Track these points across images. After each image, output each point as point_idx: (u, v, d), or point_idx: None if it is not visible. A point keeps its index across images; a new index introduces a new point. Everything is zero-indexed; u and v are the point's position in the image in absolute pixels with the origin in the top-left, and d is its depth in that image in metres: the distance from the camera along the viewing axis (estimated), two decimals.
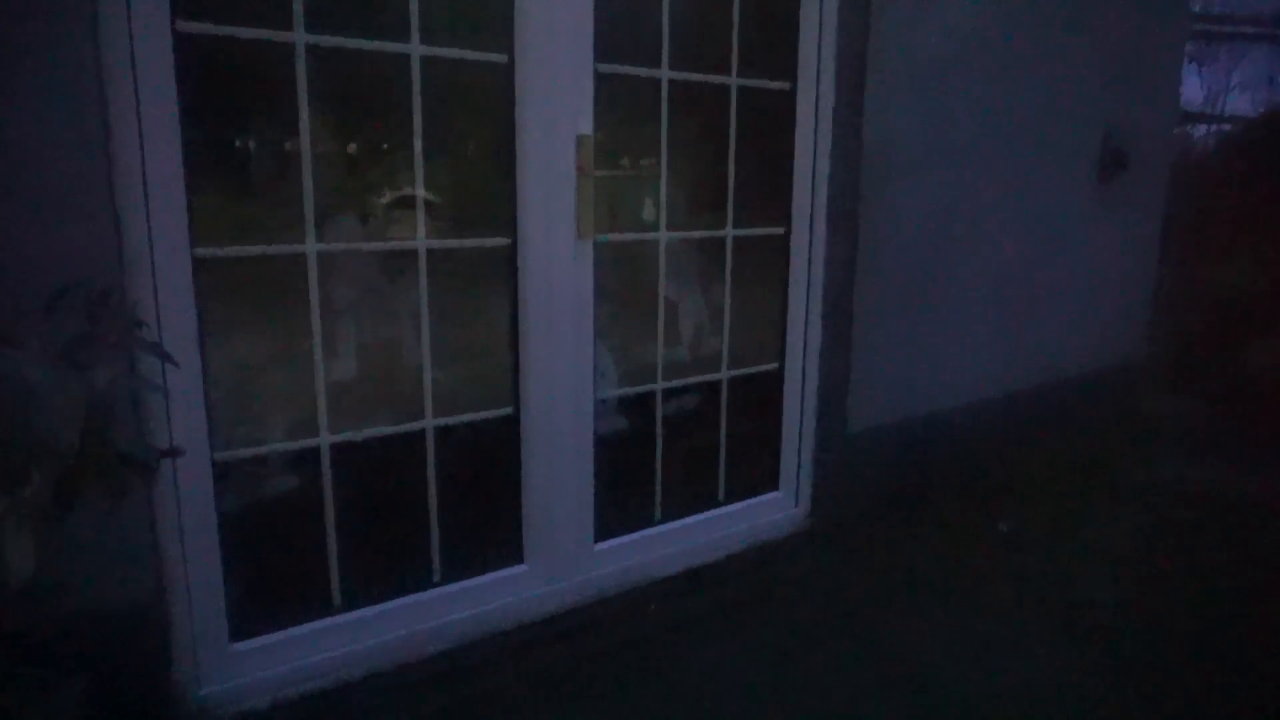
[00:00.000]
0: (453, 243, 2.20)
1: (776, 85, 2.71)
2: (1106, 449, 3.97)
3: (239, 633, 1.97)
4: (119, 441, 0.69)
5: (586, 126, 2.26)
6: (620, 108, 2.41)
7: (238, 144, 1.99)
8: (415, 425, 2.19)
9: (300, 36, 1.86)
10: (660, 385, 2.63)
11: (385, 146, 2.19)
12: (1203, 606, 2.67)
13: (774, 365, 2.90)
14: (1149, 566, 2.93)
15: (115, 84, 1.63)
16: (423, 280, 2.13)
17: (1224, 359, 5.04)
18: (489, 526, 2.39)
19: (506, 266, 2.26)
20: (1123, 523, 3.26)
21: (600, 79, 2.28)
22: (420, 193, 2.10)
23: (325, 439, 2.05)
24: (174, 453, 0.82)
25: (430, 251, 2.13)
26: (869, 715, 2.12)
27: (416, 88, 2.03)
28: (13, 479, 0.67)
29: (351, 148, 2.15)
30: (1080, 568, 2.89)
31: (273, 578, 2.09)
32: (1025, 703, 2.18)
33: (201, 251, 1.80)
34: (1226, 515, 3.35)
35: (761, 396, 2.91)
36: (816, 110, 2.76)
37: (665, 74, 2.44)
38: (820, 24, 2.71)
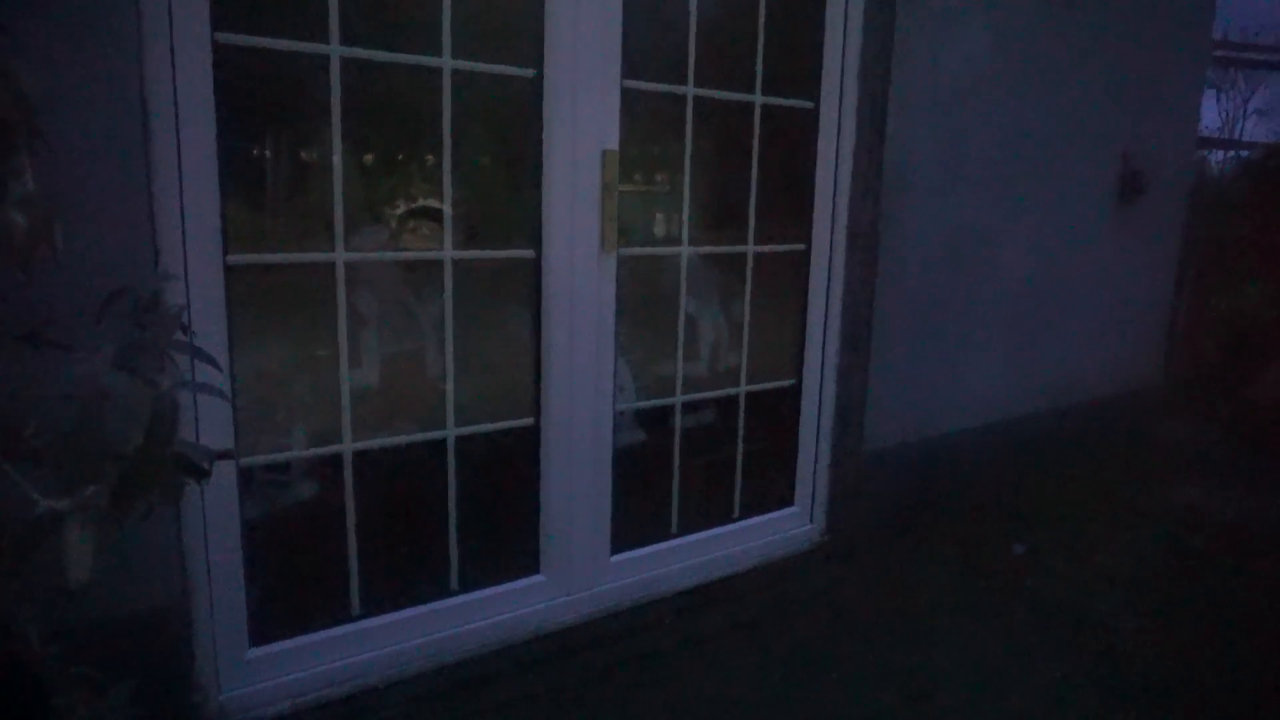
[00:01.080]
0: (479, 253, 2.23)
1: (800, 104, 2.73)
2: (1120, 473, 3.96)
3: (259, 638, 1.98)
4: (178, 444, 0.71)
5: (613, 141, 2.28)
6: (646, 124, 2.44)
7: (271, 153, 2.02)
8: (436, 434, 2.21)
9: (335, 49, 1.89)
10: (679, 399, 2.64)
11: (414, 158, 2.22)
12: (1213, 630, 2.66)
13: (792, 381, 2.90)
14: (1159, 590, 2.92)
15: (156, 93, 1.66)
16: (448, 290, 2.15)
17: (1239, 385, 5.02)
18: (507, 536, 2.40)
19: (530, 279, 2.28)
20: (1134, 547, 3.25)
21: (627, 95, 2.31)
22: (447, 204, 2.13)
23: (348, 446, 2.07)
24: (227, 455, 0.83)
25: (455, 262, 2.15)
26: None
27: (447, 101, 2.06)
28: (79, 481, 0.69)
29: (381, 159, 2.17)
30: (1091, 590, 2.88)
31: (293, 584, 2.10)
32: None
33: (233, 259, 1.83)
34: (1238, 541, 3.33)
35: (779, 412, 2.91)
36: (839, 129, 2.78)
37: (690, 90, 2.46)
38: (844, 45, 2.74)
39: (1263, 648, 2.59)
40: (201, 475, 0.78)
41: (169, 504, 0.77)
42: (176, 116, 1.69)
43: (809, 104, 2.75)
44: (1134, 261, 4.05)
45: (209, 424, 1.79)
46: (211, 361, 0.92)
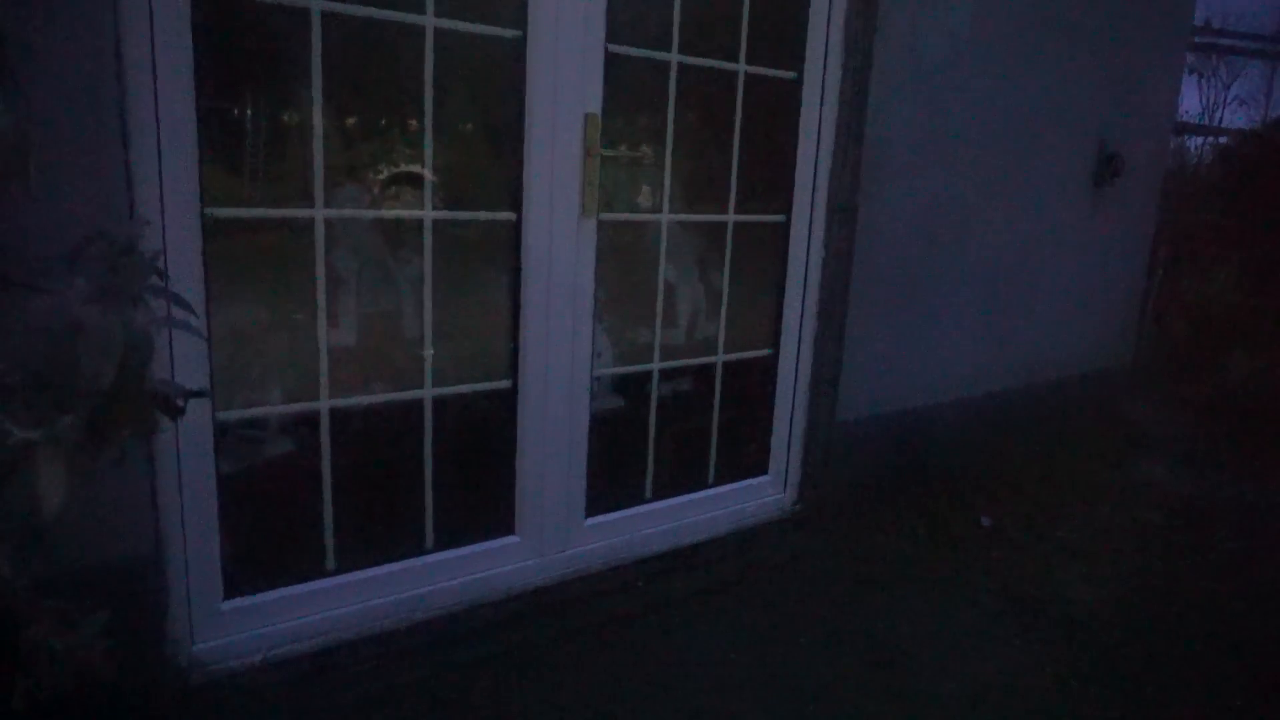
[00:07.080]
0: (458, 214, 2.22)
1: (783, 74, 2.73)
2: (1086, 451, 4.04)
3: (234, 591, 1.99)
4: (151, 380, 0.72)
5: (595, 106, 2.28)
6: (629, 90, 2.43)
7: (251, 109, 2.00)
8: (414, 394, 2.21)
9: (316, 2, 1.87)
10: (656, 366, 2.66)
11: (395, 117, 2.21)
12: (1167, 604, 2.74)
13: (768, 351, 2.93)
14: (1118, 565, 3.00)
15: (132, 43, 1.63)
16: (427, 251, 2.15)
17: (1207, 368, 5.13)
18: (482, 497, 2.42)
19: (510, 242, 2.28)
20: (1095, 522, 3.34)
21: (610, 59, 2.30)
22: (428, 164, 2.12)
23: (325, 404, 2.07)
24: (199, 394, 0.84)
25: (435, 223, 2.15)
26: (845, 698, 2.17)
27: (429, 60, 2.04)
28: (51, 412, 0.70)
29: (362, 118, 2.16)
30: (1055, 563, 2.96)
31: (267, 538, 2.12)
32: (997, 690, 2.24)
33: (211, 212, 1.82)
34: (1196, 518, 3.43)
35: (754, 382, 2.94)
36: (821, 102, 2.79)
37: (675, 57, 2.46)
38: (829, 17, 2.73)
39: (1215, 621, 2.67)
40: (175, 412, 0.79)
41: (143, 438, 0.78)
42: (154, 67, 1.67)
43: (792, 75, 2.75)
44: (1108, 243, 4.11)
45: (185, 373, 1.79)
46: (185, 305, 0.92)
